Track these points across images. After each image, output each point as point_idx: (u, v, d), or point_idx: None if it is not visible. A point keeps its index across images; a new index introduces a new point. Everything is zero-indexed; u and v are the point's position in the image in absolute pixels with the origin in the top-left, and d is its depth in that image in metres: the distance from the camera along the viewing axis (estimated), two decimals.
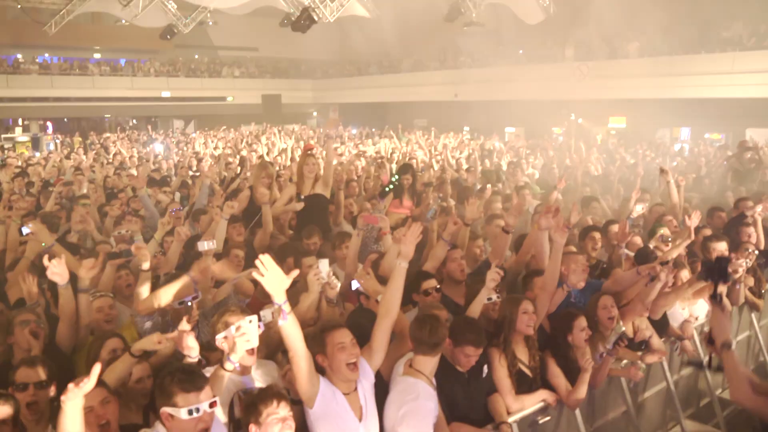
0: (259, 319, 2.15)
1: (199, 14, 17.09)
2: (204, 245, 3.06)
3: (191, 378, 1.79)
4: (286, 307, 1.92)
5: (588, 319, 2.89)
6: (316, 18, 11.62)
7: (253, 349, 2.12)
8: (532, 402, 2.73)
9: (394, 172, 7.89)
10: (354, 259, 3.44)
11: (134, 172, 8.11)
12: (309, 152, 4.78)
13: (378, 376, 2.31)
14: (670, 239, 4.08)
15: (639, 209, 4.98)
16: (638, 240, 4.09)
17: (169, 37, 17.09)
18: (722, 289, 2.62)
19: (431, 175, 7.50)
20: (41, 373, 2.12)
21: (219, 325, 2.16)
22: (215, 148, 11.51)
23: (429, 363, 2.29)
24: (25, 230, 3.32)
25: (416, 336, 2.29)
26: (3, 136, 19.74)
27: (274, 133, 14.77)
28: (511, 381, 2.67)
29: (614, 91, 15.15)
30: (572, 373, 2.79)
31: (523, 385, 2.72)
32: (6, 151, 14.56)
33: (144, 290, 2.77)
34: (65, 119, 23.52)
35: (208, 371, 2.07)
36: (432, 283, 2.96)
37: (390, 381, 2.35)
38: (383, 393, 2.31)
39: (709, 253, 3.90)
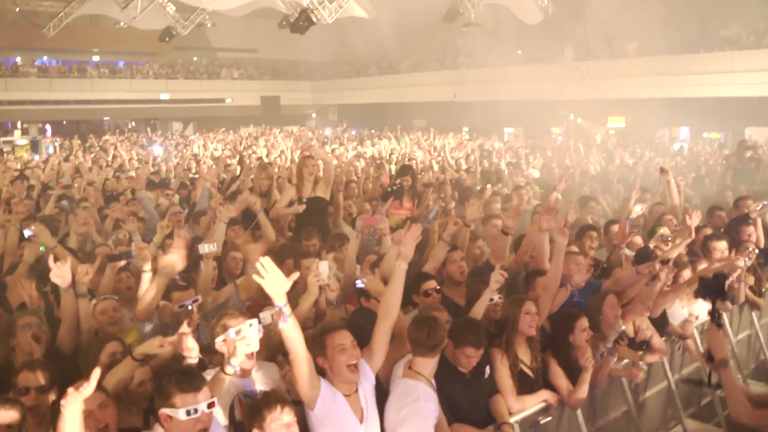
0: (259, 322, 2.15)
1: (198, 16, 17.10)
2: (205, 248, 3.08)
3: (189, 379, 1.79)
4: (287, 310, 1.92)
5: (589, 319, 2.89)
6: (314, 19, 11.62)
7: (253, 353, 2.12)
8: (534, 402, 2.73)
9: (393, 173, 7.90)
10: (353, 260, 3.44)
11: (133, 174, 8.10)
12: (307, 154, 4.78)
13: (377, 378, 2.30)
14: (670, 239, 4.08)
15: (639, 209, 4.98)
16: (638, 240, 4.09)
17: (167, 39, 17.09)
18: (720, 306, 2.63)
19: (431, 176, 7.50)
20: (42, 378, 2.12)
21: (218, 328, 2.16)
22: (214, 150, 11.52)
23: (428, 364, 2.29)
24: (27, 233, 3.32)
25: (414, 337, 2.29)
26: (2, 139, 19.74)
27: (274, 134, 14.78)
28: (512, 381, 2.67)
29: (613, 91, 15.17)
30: (573, 373, 2.80)
31: (525, 385, 2.72)
32: (5, 155, 14.54)
33: (148, 292, 2.76)
34: (64, 122, 23.51)
35: (208, 374, 2.07)
36: (432, 284, 2.96)
37: (390, 383, 2.35)
38: (383, 395, 2.31)
39: (709, 252, 3.92)
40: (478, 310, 2.79)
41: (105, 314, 2.75)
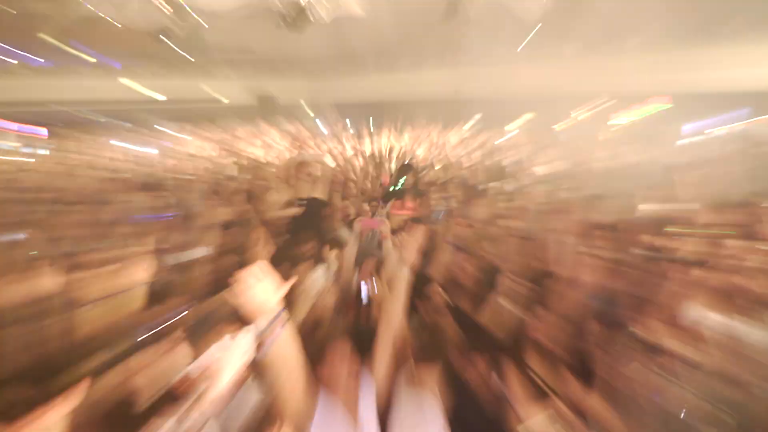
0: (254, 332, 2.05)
1: (194, 16, 17.05)
2: (196, 253, 3.00)
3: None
4: (283, 318, 1.85)
5: (608, 324, 2.77)
6: (311, 18, 11.55)
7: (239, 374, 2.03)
8: (545, 412, 2.64)
9: (393, 172, 7.83)
10: (351, 265, 3.40)
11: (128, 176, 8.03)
12: (303, 159, 4.74)
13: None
14: (681, 237, 3.99)
15: (647, 207, 4.90)
16: (649, 239, 4.00)
17: (163, 38, 17.06)
18: None
19: (434, 174, 7.43)
20: None
21: (202, 341, 2.09)
22: (211, 150, 11.46)
23: (431, 373, 2.23)
24: None
25: (417, 345, 2.26)
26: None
27: (270, 133, 14.73)
28: (523, 391, 2.58)
29: (618, 87, 15.08)
30: (592, 382, 2.67)
31: (536, 395, 2.62)
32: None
33: None
34: (60, 123, 23.48)
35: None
36: (435, 288, 2.92)
37: (391, 393, 2.27)
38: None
39: (721, 250, 3.81)
40: (485, 316, 2.74)
41: None
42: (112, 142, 15.99)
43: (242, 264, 3.26)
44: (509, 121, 18.36)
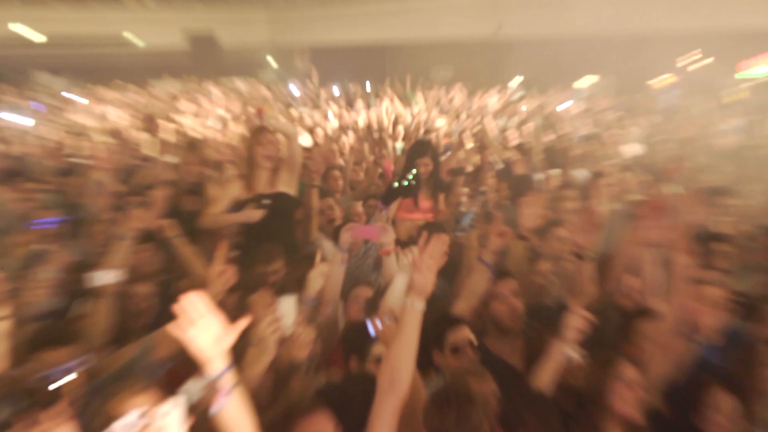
0: (183, 402, 2.10)
1: None
2: (99, 278, 3.05)
3: None
4: (230, 379, 1.89)
5: (737, 390, 2.83)
6: None
7: None
8: None
9: (400, 153, 7.85)
10: (335, 295, 3.45)
11: None
12: (262, 124, 4.79)
13: None
14: None
15: None
16: None
17: None
18: None
19: (462, 157, 7.47)
20: None
21: (101, 417, 2.10)
22: (113, 120, 11.50)
23: None
24: None
25: (436, 425, 2.27)
26: None
27: (208, 93, 14.79)
28: None
29: (748, 20, 15.06)
30: None
31: None
32: None
33: None
34: None
35: None
36: (464, 333, 2.95)
37: None
38: None
39: None
40: (545, 376, 2.77)
41: None
42: None
43: (169, 295, 3.28)
44: (578, 77, 18.39)
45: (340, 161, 7.43)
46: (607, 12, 16.15)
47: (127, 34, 23.01)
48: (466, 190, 5.67)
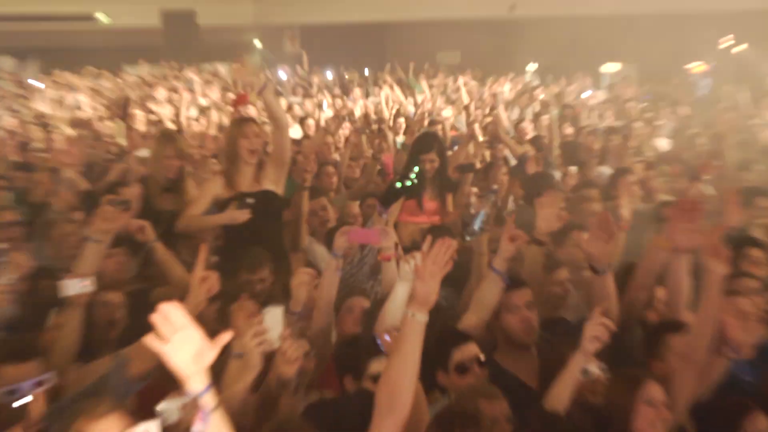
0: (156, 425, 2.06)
1: None
2: (70, 287, 3.06)
3: None
4: (209, 400, 1.87)
5: None
6: None
7: None
8: None
9: (401, 147, 7.86)
10: (329, 306, 3.46)
11: None
12: (244, 113, 4.80)
13: None
14: None
15: None
16: None
17: None
18: None
19: (472, 152, 7.47)
20: None
21: None
22: (79, 109, 11.49)
23: None
24: None
25: None
26: None
27: (186, 79, 14.80)
28: None
29: None
30: None
31: None
32: None
33: None
34: None
35: None
36: (472, 349, 2.96)
37: None
38: None
39: None
40: (561, 393, 2.74)
41: None
42: None
43: (144, 305, 3.28)
44: (599, 63, 18.40)
45: (335, 156, 7.43)
46: None
47: (99, 15, 22.94)
48: (475, 189, 5.65)
